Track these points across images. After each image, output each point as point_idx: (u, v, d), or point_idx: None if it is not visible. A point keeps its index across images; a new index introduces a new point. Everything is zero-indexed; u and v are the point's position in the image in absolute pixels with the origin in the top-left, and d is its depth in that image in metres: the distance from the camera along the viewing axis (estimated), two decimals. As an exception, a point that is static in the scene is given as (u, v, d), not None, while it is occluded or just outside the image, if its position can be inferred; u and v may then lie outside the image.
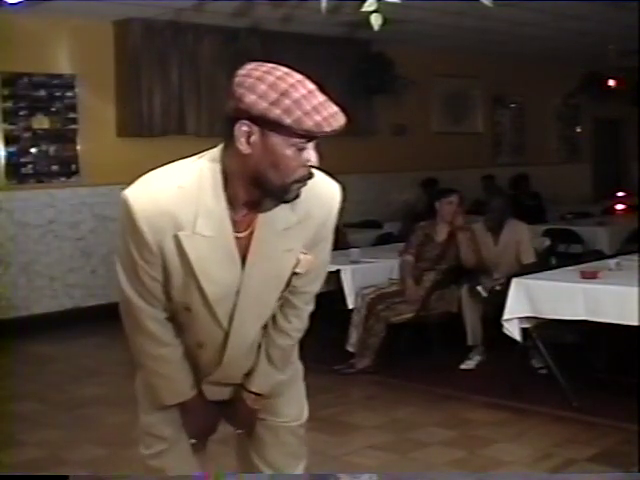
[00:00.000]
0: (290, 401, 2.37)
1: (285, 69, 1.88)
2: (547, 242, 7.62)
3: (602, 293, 4.79)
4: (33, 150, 7.67)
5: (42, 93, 7.68)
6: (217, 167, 1.95)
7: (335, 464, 4.24)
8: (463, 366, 5.93)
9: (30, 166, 7.66)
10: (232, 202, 1.96)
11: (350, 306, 6.02)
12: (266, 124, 1.82)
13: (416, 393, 5.49)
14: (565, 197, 11.75)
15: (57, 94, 7.78)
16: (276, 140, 1.84)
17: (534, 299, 5.01)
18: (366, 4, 2.31)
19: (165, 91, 8.20)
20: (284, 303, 2.19)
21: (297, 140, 1.84)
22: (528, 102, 12.46)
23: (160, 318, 2.09)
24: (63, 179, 7.87)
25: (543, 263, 6.56)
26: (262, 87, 1.81)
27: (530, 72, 11.95)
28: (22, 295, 7.64)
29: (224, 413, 2.32)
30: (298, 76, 1.86)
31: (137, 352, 2.16)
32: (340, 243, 7.49)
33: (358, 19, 2.79)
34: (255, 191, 1.94)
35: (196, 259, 1.95)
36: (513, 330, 5.04)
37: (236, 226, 1.99)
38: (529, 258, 6.27)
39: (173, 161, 2.04)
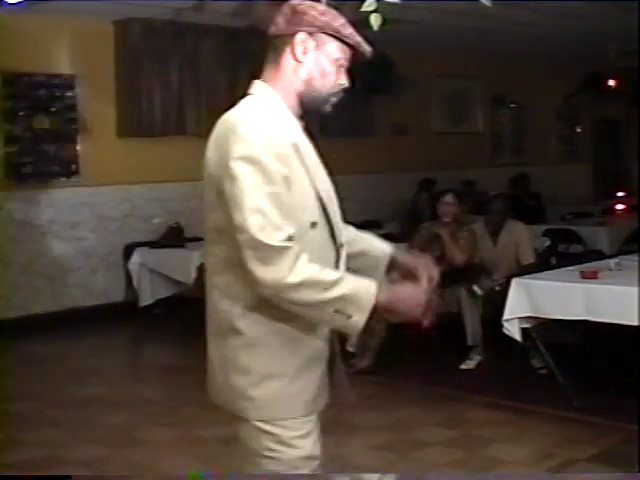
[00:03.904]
0: None
1: None
2: (547, 242, 7.61)
3: (602, 293, 4.80)
4: (33, 150, 7.67)
5: (42, 93, 7.68)
6: (271, 91, 2.16)
7: (335, 464, 4.24)
8: (463, 366, 5.93)
9: (30, 166, 7.65)
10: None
11: (350, 306, 6.00)
12: (327, 33, 2.11)
13: (416, 393, 5.49)
14: (565, 197, 11.74)
15: (57, 94, 7.77)
16: (326, 54, 2.13)
17: (534, 299, 5.01)
18: (365, 4, 2.31)
19: (165, 91, 8.19)
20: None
21: (342, 57, 2.14)
22: (528, 102, 12.44)
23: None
24: (63, 179, 7.85)
25: (543, 263, 6.55)
26: (320, 7, 2.14)
27: (530, 72, 11.94)
28: (22, 295, 7.63)
29: None
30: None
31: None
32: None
33: (358, 19, 2.78)
34: (301, 103, 2.17)
35: (309, 160, 2.13)
36: (513, 330, 5.04)
37: None
38: (528, 259, 6.26)
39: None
